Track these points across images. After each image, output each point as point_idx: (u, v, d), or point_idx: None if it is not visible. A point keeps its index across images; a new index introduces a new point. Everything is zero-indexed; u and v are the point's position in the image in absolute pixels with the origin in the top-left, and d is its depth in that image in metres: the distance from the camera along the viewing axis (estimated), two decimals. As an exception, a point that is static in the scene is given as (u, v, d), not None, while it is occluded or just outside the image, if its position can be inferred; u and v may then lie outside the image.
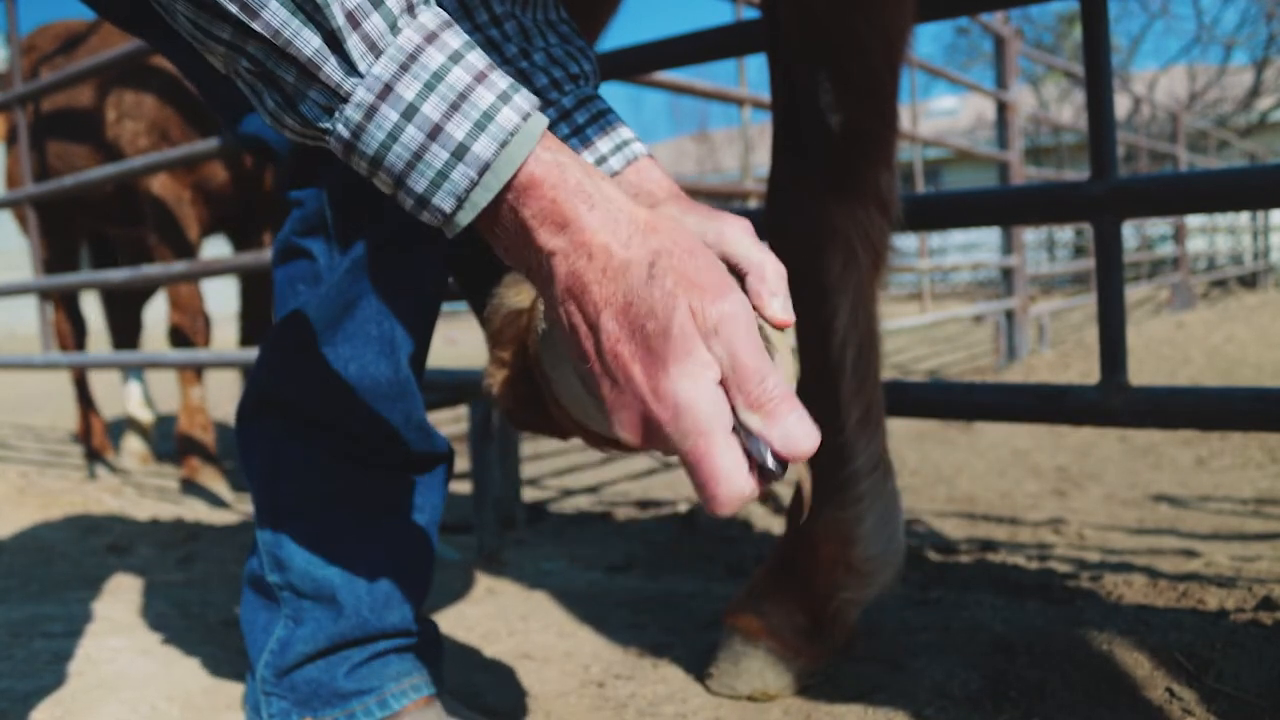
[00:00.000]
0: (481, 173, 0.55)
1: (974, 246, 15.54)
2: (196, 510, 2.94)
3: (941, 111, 22.69)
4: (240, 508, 3.06)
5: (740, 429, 0.57)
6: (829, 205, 1.20)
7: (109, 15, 0.98)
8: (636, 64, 1.85)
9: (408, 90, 0.55)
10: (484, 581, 1.85)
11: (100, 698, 1.28)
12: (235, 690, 1.32)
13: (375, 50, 0.55)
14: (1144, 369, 5.07)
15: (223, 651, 1.48)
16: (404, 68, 0.55)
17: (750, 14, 3.76)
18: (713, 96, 3.72)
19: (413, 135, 0.55)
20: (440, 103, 0.55)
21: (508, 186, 0.56)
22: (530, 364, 0.78)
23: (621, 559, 2.06)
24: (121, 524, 2.52)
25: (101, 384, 5.04)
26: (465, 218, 0.57)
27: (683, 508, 2.60)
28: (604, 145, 0.82)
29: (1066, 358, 5.63)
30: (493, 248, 0.61)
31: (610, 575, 1.91)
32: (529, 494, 2.93)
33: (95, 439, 4.10)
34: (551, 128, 0.81)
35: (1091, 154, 1.40)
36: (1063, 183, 1.55)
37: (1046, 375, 5.08)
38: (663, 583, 1.81)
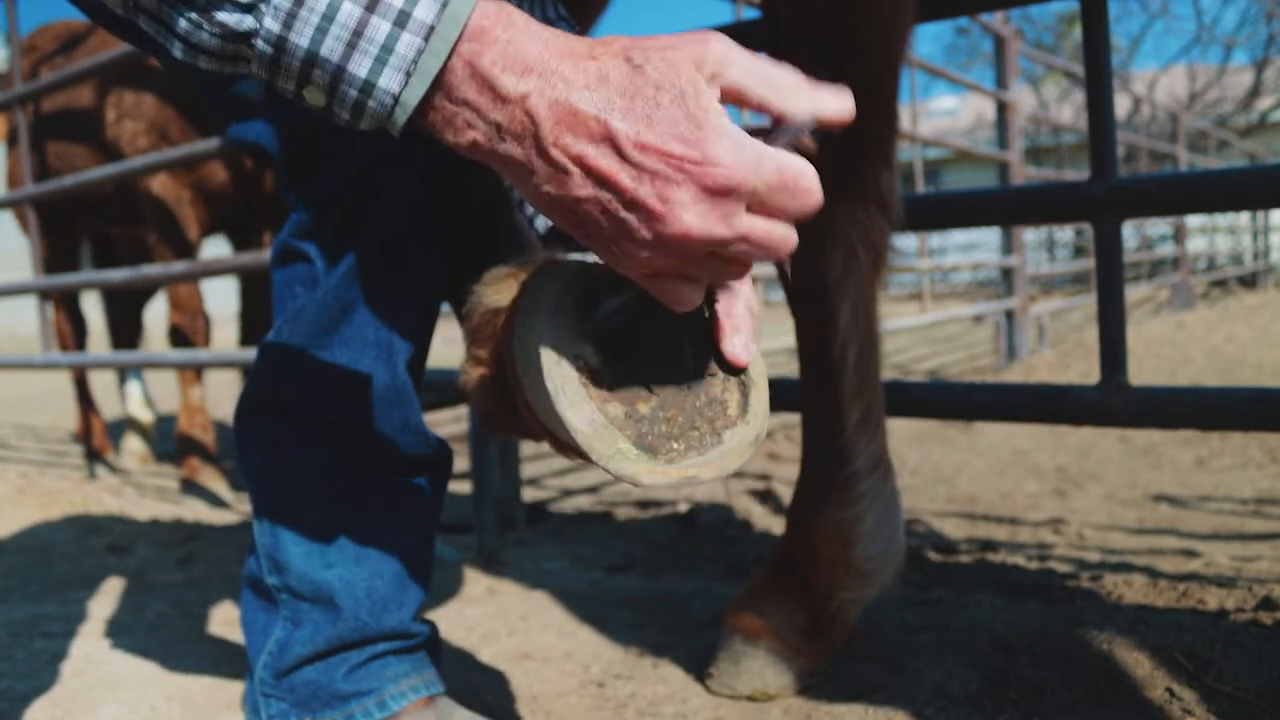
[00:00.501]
0: (427, 36, 0.52)
1: (974, 246, 15.54)
2: (196, 510, 2.94)
3: (941, 111, 22.69)
4: (240, 508, 3.05)
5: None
6: (829, 205, 1.20)
7: (99, 19, 0.98)
8: (636, 64, 1.85)
9: None
10: (484, 581, 1.85)
11: (100, 698, 1.28)
12: (235, 690, 1.32)
13: None
14: (1144, 369, 5.07)
15: (222, 651, 1.48)
16: None
17: (750, 14, 3.76)
18: (713, 96, 3.71)
19: (349, 10, 0.51)
20: None
21: (457, 43, 0.52)
22: (505, 366, 0.78)
23: (621, 559, 2.06)
24: (121, 524, 2.52)
25: (102, 384, 5.04)
26: (415, 93, 0.53)
27: (683, 508, 2.60)
28: None
29: (1066, 358, 5.63)
30: (449, 142, 0.55)
31: (610, 575, 1.91)
32: (529, 494, 2.93)
33: (95, 439, 4.10)
34: None
35: (1091, 154, 1.40)
36: (1063, 183, 1.55)
37: (1046, 375, 5.08)
38: (663, 583, 1.81)
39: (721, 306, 0.69)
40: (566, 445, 0.72)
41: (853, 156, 1.20)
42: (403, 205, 0.96)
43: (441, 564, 1.95)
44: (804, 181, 0.58)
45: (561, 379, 0.66)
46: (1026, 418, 1.51)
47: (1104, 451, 3.45)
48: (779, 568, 1.31)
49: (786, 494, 2.75)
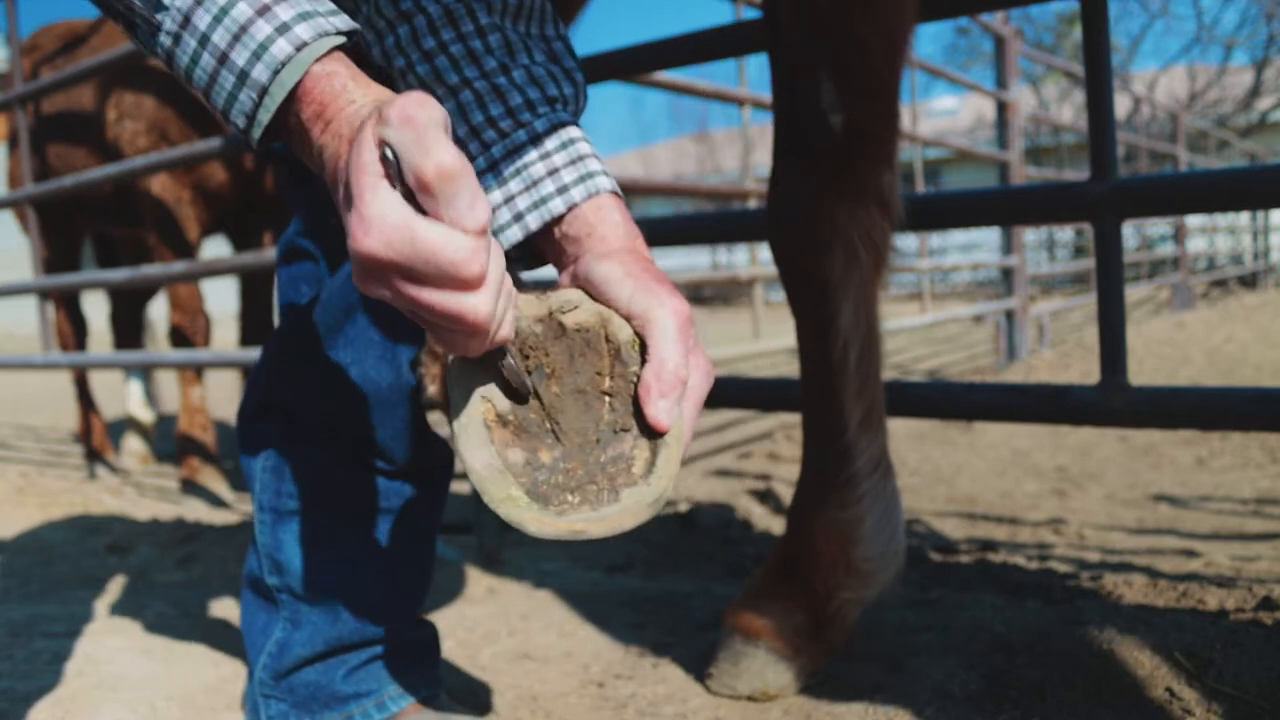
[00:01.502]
0: (261, 95, 0.64)
1: (974, 246, 15.54)
2: (196, 510, 2.94)
3: (941, 111, 22.69)
4: (240, 508, 3.05)
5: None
6: (830, 205, 1.20)
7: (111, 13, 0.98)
8: (636, 64, 1.85)
9: (201, 21, 0.64)
10: (484, 581, 1.85)
11: (100, 698, 1.28)
12: (235, 690, 1.32)
13: None
14: (1144, 369, 5.07)
15: (223, 652, 1.48)
16: (198, 2, 0.64)
17: (750, 14, 3.76)
18: (713, 96, 3.72)
19: (207, 61, 0.65)
20: (225, 34, 0.64)
21: (285, 104, 0.65)
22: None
23: (621, 559, 2.06)
24: (121, 524, 2.52)
25: (102, 384, 5.04)
26: (257, 131, 0.66)
27: (683, 508, 2.60)
28: (568, 175, 0.80)
29: (1066, 358, 5.62)
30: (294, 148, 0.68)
31: (610, 575, 1.91)
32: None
33: (95, 439, 4.10)
34: (521, 151, 0.80)
35: (1091, 154, 1.40)
36: (1063, 183, 1.55)
37: (1046, 375, 5.08)
38: (663, 583, 1.81)
39: (650, 369, 0.70)
40: None
41: (854, 156, 1.20)
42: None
43: (441, 564, 1.95)
44: (445, 255, 0.58)
45: (466, 419, 0.69)
46: (1026, 418, 1.51)
47: (1104, 451, 3.45)
48: (779, 568, 1.31)
49: (786, 494, 2.75)
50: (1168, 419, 1.36)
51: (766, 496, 2.79)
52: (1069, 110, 18.08)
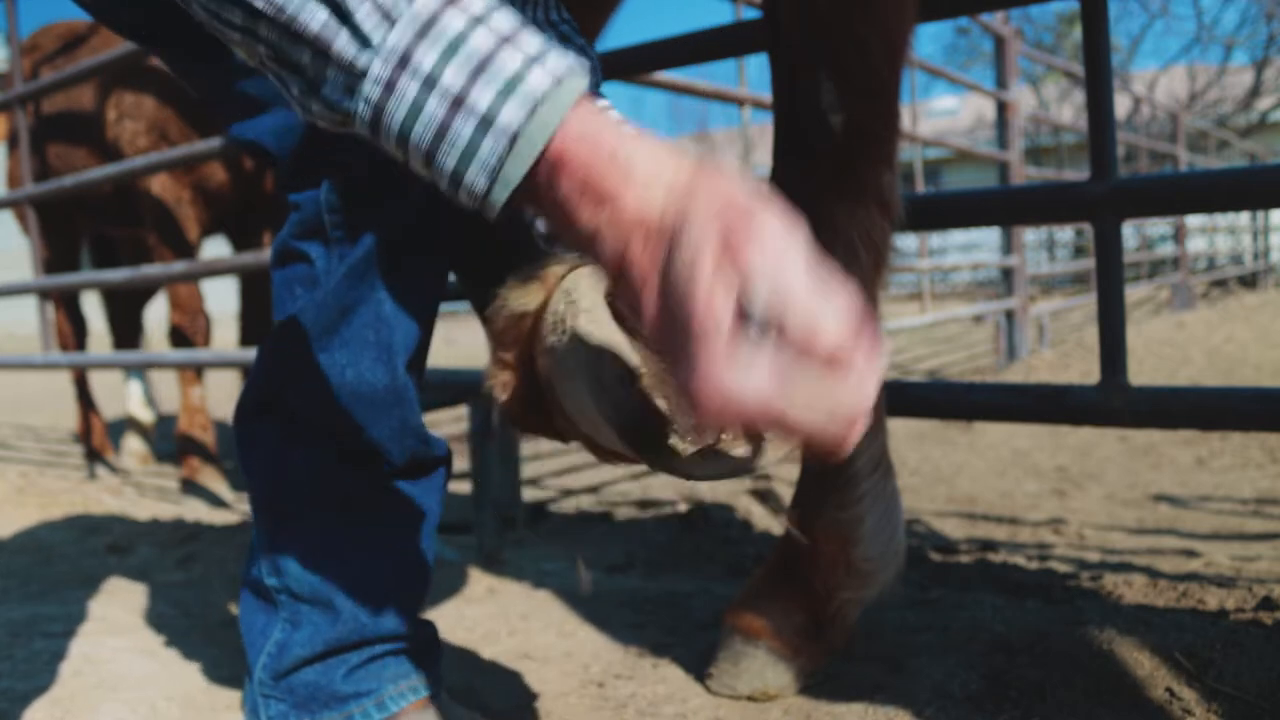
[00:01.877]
0: (512, 142, 0.51)
1: (974, 246, 15.54)
2: (196, 510, 2.94)
3: (941, 111, 22.69)
4: (240, 508, 3.05)
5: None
6: (830, 205, 1.20)
7: (112, 25, 0.98)
8: (636, 64, 1.85)
9: (426, 59, 0.51)
10: (484, 581, 1.85)
11: (100, 698, 1.28)
12: (235, 690, 1.32)
13: (389, 19, 0.51)
14: (1144, 369, 5.07)
15: (223, 652, 1.48)
16: (420, 35, 0.51)
17: (750, 14, 3.76)
18: (713, 96, 3.72)
19: (434, 108, 0.51)
20: (461, 70, 0.51)
21: (541, 157, 0.52)
22: (538, 373, 0.77)
23: (621, 559, 2.06)
24: (121, 524, 2.52)
25: (102, 384, 5.03)
26: (500, 194, 0.53)
27: (683, 508, 2.60)
28: None
29: (1066, 358, 5.62)
30: (544, 223, 0.57)
31: (610, 575, 1.91)
32: (529, 494, 2.93)
33: (95, 439, 4.10)
34: None
35: (1091, 154, 1.40)
36: (1063, 183, 1.55)
37: (1047, 375, 5.08)
38: (663, 583, 1.80)
39: None
40: (608, 449, 0.70)
41: (854, 156, 1.20)
42: (405, 207, 0.96)
43: (441, 564, 1.95)
44: (818, 433, 0.50)
45: (604, 377, 0.65)
46: (1027, 418, 1.51)
47: (1104, 451, 3.45)
48: (779, 568, 1.31)
49: (787, 494, 2.75)
50: (1168, 419, 1.36)
51: (766, 496, 2.78)
52: (1069, 110, 18.08)
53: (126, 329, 4.37)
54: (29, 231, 3.37)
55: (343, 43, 0.52)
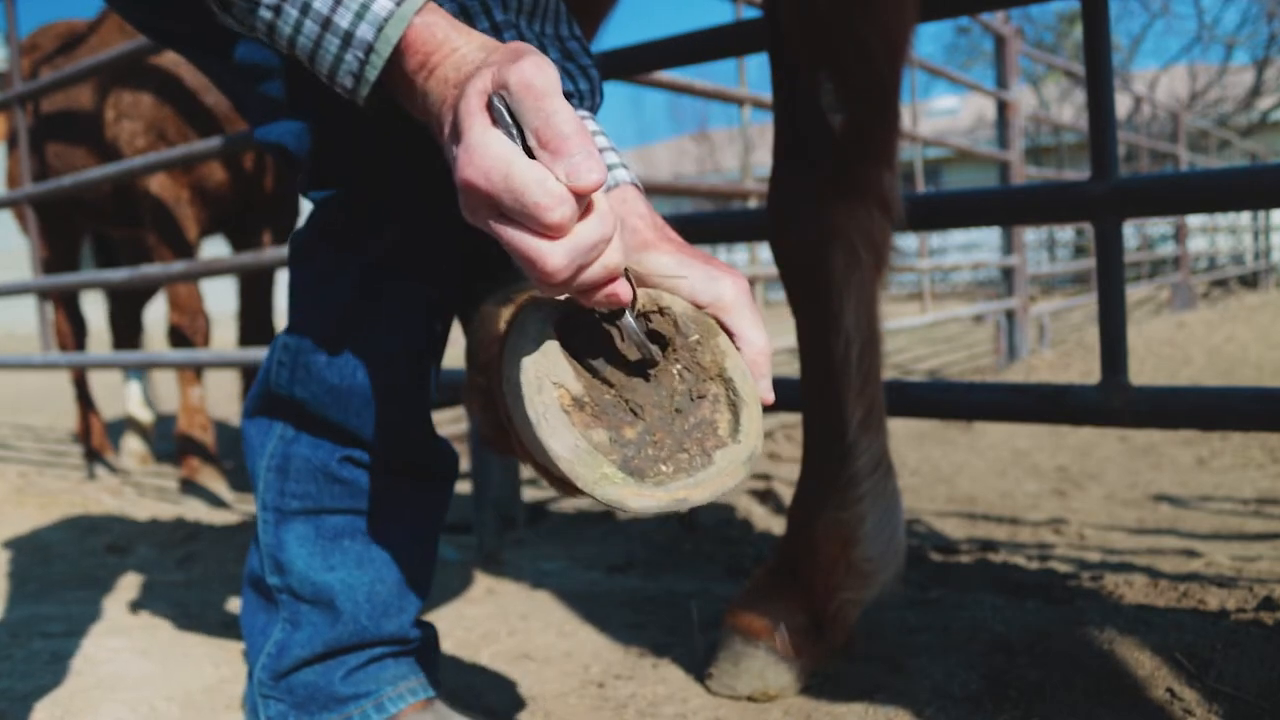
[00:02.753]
0: (367, 53, 0.68)
1: (974, 246, 15.54)
2: (196, 510, 2.94)
3: (942, 111, 22.69)
4: (240, 508, 3.05)
5: None
6: (831, 205, 1.20)
7: (157, 37, 0.99)
8: (636, 64, 1.85)
9: None
10: (484, 581, 1.85)
11: (99, 698, 1.28)
12: (235, 690, 1.32)
13: None
14: (1144, 369, 5.07)
15: (222, 652, 1.48)
16: None
17: (750, 14, 3.76)
18: (713, 96, 3.71)
19: (310, 28, 0.68)
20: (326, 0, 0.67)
21: (390, 57, 0.68)
22: (498, 395, 0.77)
23: (621, 559, 2.05)
24: (121, 524, 2.52)
25: (102, 384, 5.03)
26: (365, 89, 0.69)
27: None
28: None
29: (1067, 358, 5.62)
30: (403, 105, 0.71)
31: (610, 575, 1.91)
32: (529, 494, 2.93)
33: (95, 439, 4.10)
34: None
35: (1092, 154, 1.40)
36: (1063, 182, 1.54)
37: (1047, 375, 5.08)
38: (663, 583, 1.80)
39: (745, 355, 0.74)
40: (554, 476, 0.71)
41: (854, 156, 1.20)
42: (424, 207, 0.96)
43: (441, 564, 1.95)
44: (531, 195, 0.60)
45: (543, 406, 0.66)
46: (1027, 418, 1.51)
47: (1104, 451, 3.45)
48: (779, 568, 1.31)
49: (787, 494, 2.75)
50: (1168, 419, 1.36)
51: (766, 496, 2.78)
52: (1069, 110, 18.08)
53: (126, 329, 4.37)
54: (29, 231, 3.37)
55: None
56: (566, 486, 0.69)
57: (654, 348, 0.71)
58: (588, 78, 0.86)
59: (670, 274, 0.75)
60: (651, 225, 0.80)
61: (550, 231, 0.60)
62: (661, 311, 0.73)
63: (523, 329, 0.70)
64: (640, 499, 0.64)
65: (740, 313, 0.75)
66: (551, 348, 0.69)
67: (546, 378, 0.68)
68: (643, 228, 0.79)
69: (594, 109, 0.86)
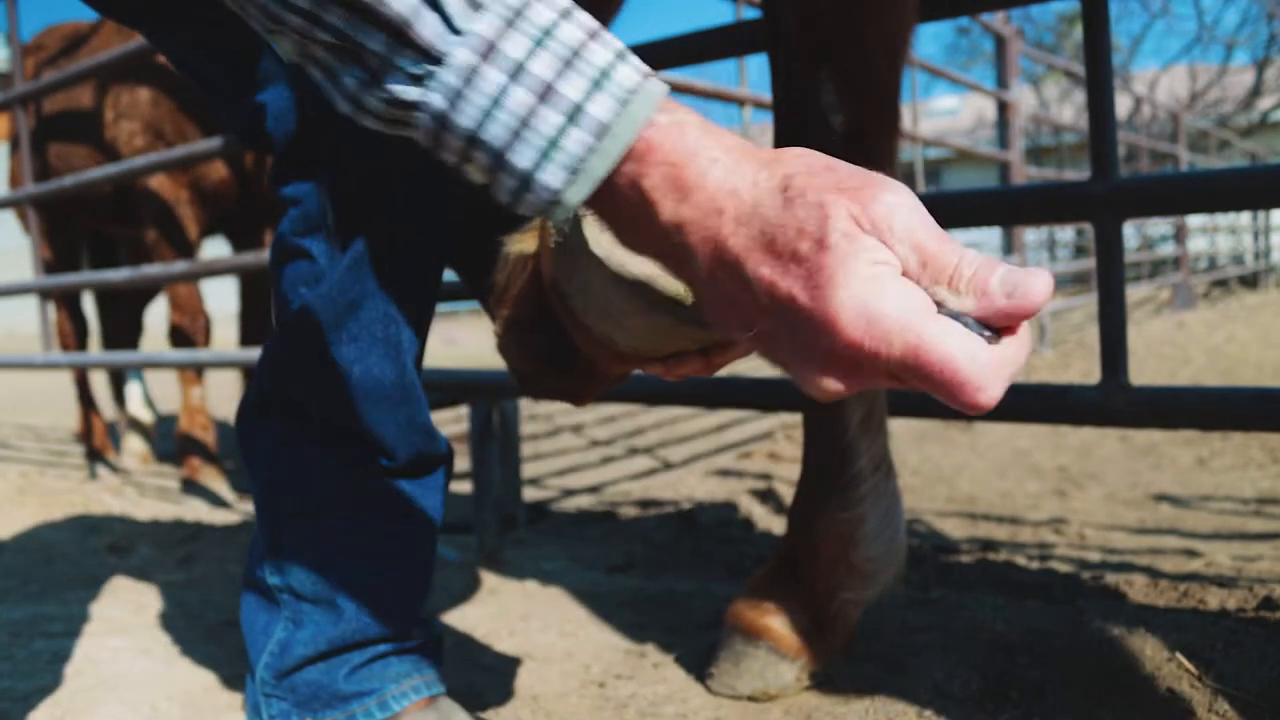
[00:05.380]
0: (600, 136, 0.50)
1: (974, 246, 15.52)
2: (197, 510, 2.94)
3: (942, 111, 22.68)
4: (241, 508, 3.06)
5: (951, 316, 0.49)
6: (830, 205, 1.20)
7: (112, 12, 0.97)
8: (637, 64, 1.85)
9: (514, 48, 0.49)
10: (484, 581, 1.85)
11: (100, 698, 1.28)
12: (236, 690, 1.32)
13: (477, 6, 0.49)
14: (1145, 369, 5.07)
15: (223, 652, 1.48)
16: (509, 23, 0.49)
17: (750, 14, 3.76)
18: (713, 96, 3.72)
19: (520, 98, 0.49)
20: (552, 60, 0.49)
21: (627, 154, 0.51)
22: (547, 294, 0.75)
23: (622, 559, 2.06)
24: (122, 524, 2.52)
25: (102, 384, 5.03)
26: (578, 193, 0.51)
27: (684, 507, 2.60)
28: None
29: (1067, 357, 5.62)
30: (612, 230, 0.56)
31: (611, 575, 1.91)
32: (529, 494, 2.93)
33: (96, 439, 4.10)
34: None
35: (1092, 154, 1.40)
36: (1063, 183, 1.54)
37: (1047, 375, 5.08)
38: (663, 583, 1.80)
39: None
40: (628, 356, 0.69)
41: (854, 156, 1.20)
42: (411, 200, 0.95)
43: (442, 564, 1.95)
44: (958, 372, 0.48)
45: (623, 252, 0.62)
46: (1027, 418, 1.51)
47: (1104, 451, 3.45)
48: (780, 568, 1.31)
49: (787, 494, 2.75)
50: (1168, 419, 1.36)
51: (767, 496, 2.78)
52: (1069, 110, 18.07)
53: (124, 330, 4.36)
54: (29, 231, 3.37)
55: (425, 26, 0.49)
56: (641, 363, 0.68)
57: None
58: None
59: None
60: None
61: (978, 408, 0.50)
62: None
63: (585, 234, 0.67)
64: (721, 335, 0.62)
65: None
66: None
67: (616, 245, 0.63)
68: None
69: None
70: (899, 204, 0.49)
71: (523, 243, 0.79)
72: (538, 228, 0.78)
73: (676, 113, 0.52)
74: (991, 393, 0.49)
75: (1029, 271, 0.49)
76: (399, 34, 0.50)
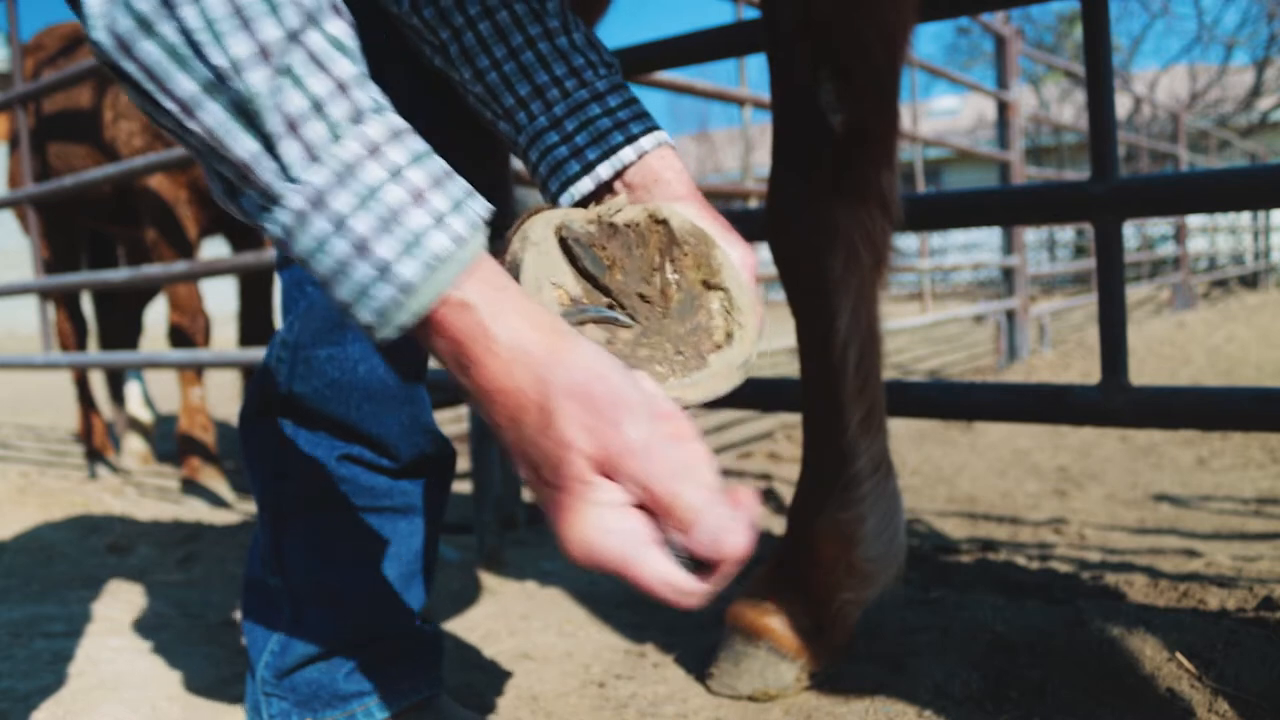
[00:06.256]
0: (406, 293, 0.55)
1: (974, 246, 15.54)
2: (197, 510, 2.94)
3: (942, 111, 22.68)
4: (240, 508, 3.06)
5: (669, 544, 0.56)
6: (830, 205, 1.20)
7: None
8: (636, 64, 1.85)
9: (340, 203, 0.54)
10: (484, 581, 1.85)
11: (100, 698, 1.28)
12: (236, 690, 1.32)
13: (314, 158, 0.54)
14: (1145, 369, 5.07)
15: (223, 651, 1.48)
16: (340, 179, 0.54)
17: (750, 14, 3.76)
18: (713, 96, 3.72)
19: (341, 248, 0.55)
20: (371, 219, 0.54)
21: (428, 315, 0.56)
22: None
23: (622, 559, 2.05)
24: (122, 524, 2.52)
25: (100, 384, 5.03)
26: (389, 334, 0.56)
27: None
28: (635, 127, 0.82)
29: (1067, 358, 5.62)
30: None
31: (610, 575, 1.91)
32: (529, 494, 2.93)
33: (96, 439, 4.10)
34: (584, 107, 0.82)
35: (1092, 154, 1.40)
36: (1063, 183, 1.54)
37: (1047, 375, 5.08)
38: (663, 583, 1.80)
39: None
40: None
41: (854, 156, 1.20)
42: None
43: (442, 564, 1.95)
44: (663, 594, 0.56)
45: (540, 305, 0.66)
46: (1027, 418, 1.51)
47: (1104, 451, 3.45)
48: (780, 568, 1.31)
49: (787, 494, 2.75)
50: (1168, 419, 1.36)
51: (767, 496, 2.78)
52: (1070, 110, 18.07)
53: (121, 329, 4.36)
54: (29, 231, 3.37)
55: (265, 171, 0.55)
56: None
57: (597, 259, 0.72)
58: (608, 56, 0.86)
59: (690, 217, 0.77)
60: (688, 181, 0.82)
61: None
62: (660, 223, 0.75)
63: (525, 236, 0.71)
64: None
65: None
66: (551, 248, 0.69)
67: (546, 278, 0.68)
68: (677, 182, 0.82)
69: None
70: (636, 447, 0.55)
71: (504, 246, 0.80)
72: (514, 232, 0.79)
73: (483, 282, 0.57)
74: (689, 604, 0.56)
75: (731, 528, 0.55)
76: (245, 174, 0.56)
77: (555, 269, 0.69)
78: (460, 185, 0.58)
